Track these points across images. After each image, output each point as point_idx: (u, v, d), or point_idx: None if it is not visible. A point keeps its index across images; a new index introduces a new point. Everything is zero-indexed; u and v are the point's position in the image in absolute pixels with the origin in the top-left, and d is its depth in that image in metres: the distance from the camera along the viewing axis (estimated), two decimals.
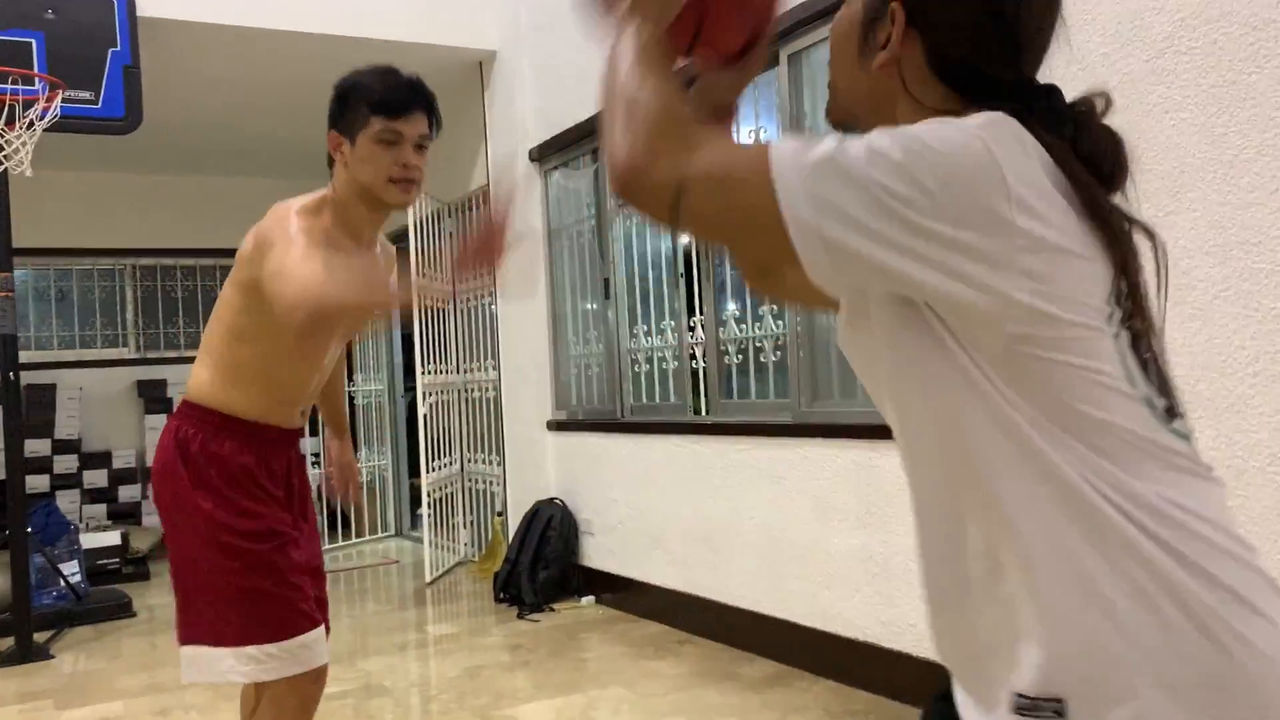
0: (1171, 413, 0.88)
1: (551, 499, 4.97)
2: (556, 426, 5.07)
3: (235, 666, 1.90)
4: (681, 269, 4.22)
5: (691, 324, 4.18)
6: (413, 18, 5.13)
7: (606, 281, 4.73)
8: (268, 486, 2.02)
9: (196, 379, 2.05)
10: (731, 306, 3.98)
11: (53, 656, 4.29)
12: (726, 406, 4.01)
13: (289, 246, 1.80)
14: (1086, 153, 0.88)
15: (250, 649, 1.90)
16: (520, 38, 5.17)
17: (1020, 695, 0.84)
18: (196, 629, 1.95)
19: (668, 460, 4.22)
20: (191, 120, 6.20)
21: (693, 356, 4.19)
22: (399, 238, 6.60)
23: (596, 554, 4.76)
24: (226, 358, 2.01)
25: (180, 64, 5.12)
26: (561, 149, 4.93)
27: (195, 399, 2.03)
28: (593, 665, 3.74)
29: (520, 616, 4.55)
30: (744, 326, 3.91)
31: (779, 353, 3.72)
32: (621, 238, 4.68)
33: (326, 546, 6.65)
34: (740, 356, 3.94)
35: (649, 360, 4.52)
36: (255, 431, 2.02)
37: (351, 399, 7.57)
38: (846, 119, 1.02)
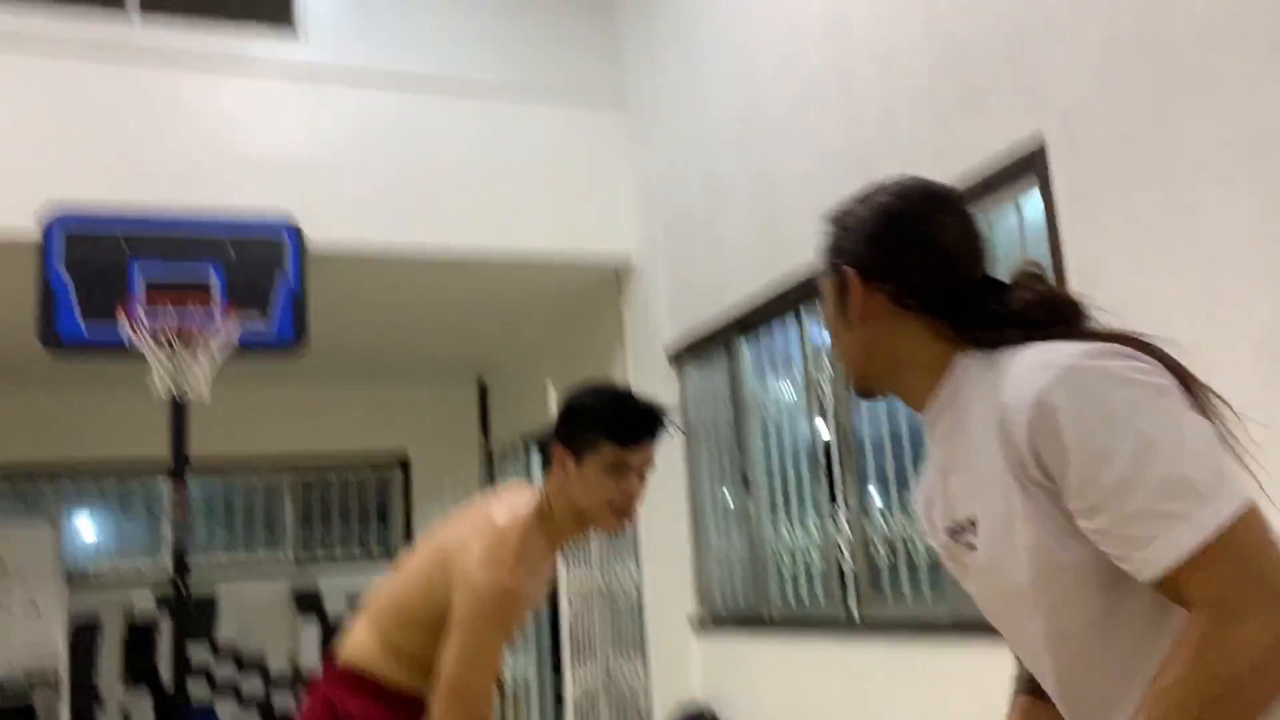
0: None
1: (697, 702, 4.80)
2: (701, 626, 4.96)
3: None
4: (823, 462, 4.18)
5: (835, 520, 4.09)
6: (555, 232, 5.44)
7: (745, 476, 4.71)
8: None
9: (362, 646, 2.05)
10: (876, 498, 3.90)
11: None
12: (878, 604, 3.86)
13: (480, 630, 1.82)
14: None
15: None
16: (656, 245, 5.41)
17: None
18: None
19: (819, 663, 4.05)
20: (349, 339, 6.62)
21: (840, 553, 4.08)
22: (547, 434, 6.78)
23: None
24: (396, 636, 2.01)
25: (341, 289, 5.53)
26: (697, 348, 5.04)
27: (356, 665, 2.03)
28: None
29: None
30: (891, 520, 3.80)
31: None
32: (759, 431, 4.69)
33: None
34: (890, 553, 3.82)
35: (793, 557, 4.42)
36: (410, 702, 2.00)
37: None
38: (866, 386, 1.18)
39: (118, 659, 7.10)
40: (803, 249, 4.19)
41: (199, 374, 4.50)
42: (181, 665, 4.61)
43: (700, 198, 5.03)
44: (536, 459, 7.63)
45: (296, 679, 7.37)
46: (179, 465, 4.63)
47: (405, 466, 8.34)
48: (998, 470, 1.03)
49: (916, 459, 3.67)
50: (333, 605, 7.66)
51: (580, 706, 5.64)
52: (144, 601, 7.23)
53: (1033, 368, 1.00)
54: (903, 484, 3.74)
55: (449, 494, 7.85)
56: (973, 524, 1.08)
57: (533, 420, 7.25)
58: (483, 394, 8.50)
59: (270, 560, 7.91)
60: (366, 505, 8.31)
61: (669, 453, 5.23)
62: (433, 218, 5.23)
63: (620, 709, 5.86)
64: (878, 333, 1.13)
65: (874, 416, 3.92)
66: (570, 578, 5.55)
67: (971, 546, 1.09)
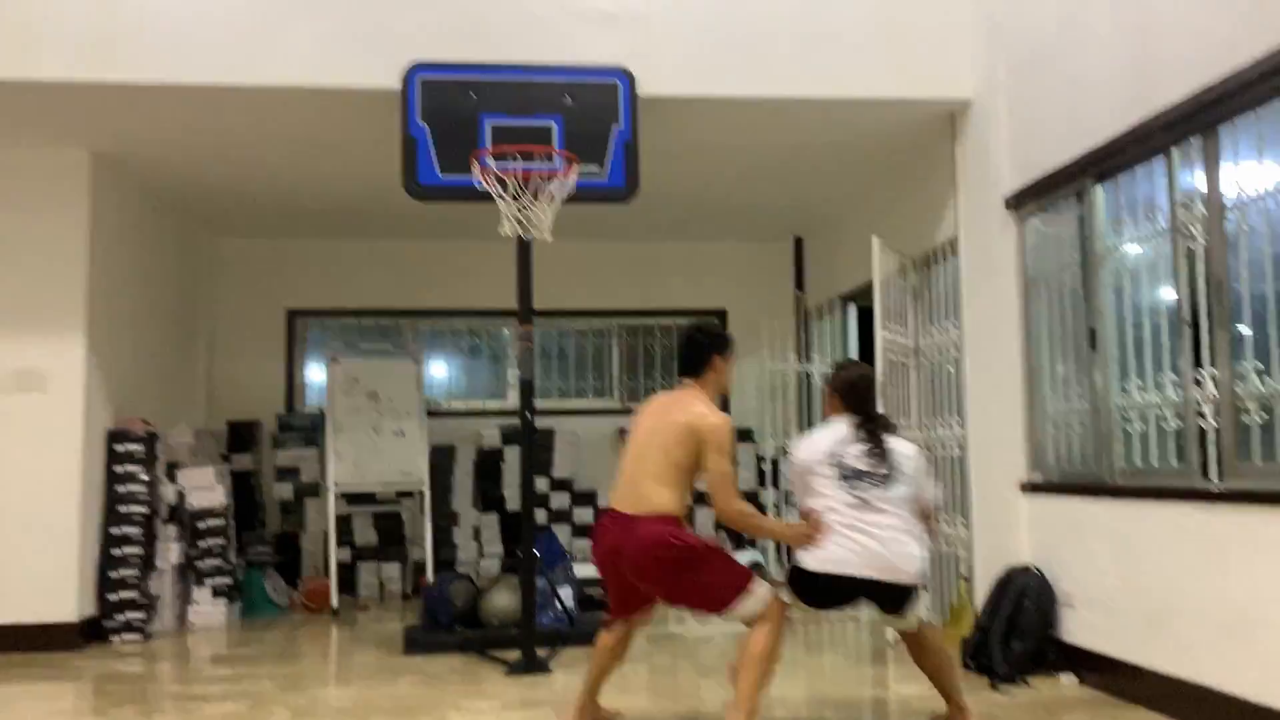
0: None
1: (1026, 566, 4.65)
2: (1032, 489, 4.75)
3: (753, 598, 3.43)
4: (1188, 316, 3.79)
5: (1198, 378, 3.72)
6: (884, 73, 5.18)
7: (1093, 331, 4.37)
8: None
9: (661, 498, 3.48)
10: (1252, 359, 3.49)
11: (550, 671, 4.75)
12: (1245, 471, 3.50)
13: (725, 462, 3.47)
14: None
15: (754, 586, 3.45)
16: (997, 83, 5.02)
17: None
18: (729, 594, 3.44)
19: (1169, 531, 3.76)
20: (674, 190, 6.74)
21: (1200, 414, 3.72)
22: (864, 293, 6.65)
23: (1079, 629, 4.36)
24: (674, 484, 3.51)
25: (670, 138, 5.59)
26: (1041, 194, 4.68)
27: (665, 511, 3.48)
28: None
29: (993, 687, 4.28)
30: (1268, 380, 3.40)
31: None
32: (1111, 283, 4.31)
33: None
34: (1264, 415, 3.43)
35: (1142, 419, 4.09)
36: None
37: None
38: None
39: (470, 483, 7.91)
40: (1177, 81, 3.72)
41: (542, 218, 4.76)
42: (528, 490, 5.04)
43: (1053, 28, 4.58)
44: (853, 315, 7.51)
45: None
46: (525, 304, 4.97)
47: (722, 322, 8.51)
48: None
49: None
50: None
51: None
52: (491, 437, 7.96)
53: None
54: None
55: (764, 349, 7.95)
56: None
57: (851, 277, 7.11)
58: (799, 250, 8.43)
59: (599, 405, 8.43)
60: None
61: (1002, 308, 4.95)
62: (760, 61, 5.13)
63: (940, 570, 5.80)
64: None
65: (1255, 268, 3.49)
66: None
67: None
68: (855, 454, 3.45)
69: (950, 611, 5.44)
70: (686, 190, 6.86)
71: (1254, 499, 3.36)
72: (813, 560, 3.37)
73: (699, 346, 3.65)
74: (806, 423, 7.92)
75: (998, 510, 4.97)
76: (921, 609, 3.55)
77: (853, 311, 7.51)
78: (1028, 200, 4.80)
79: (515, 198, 4.72)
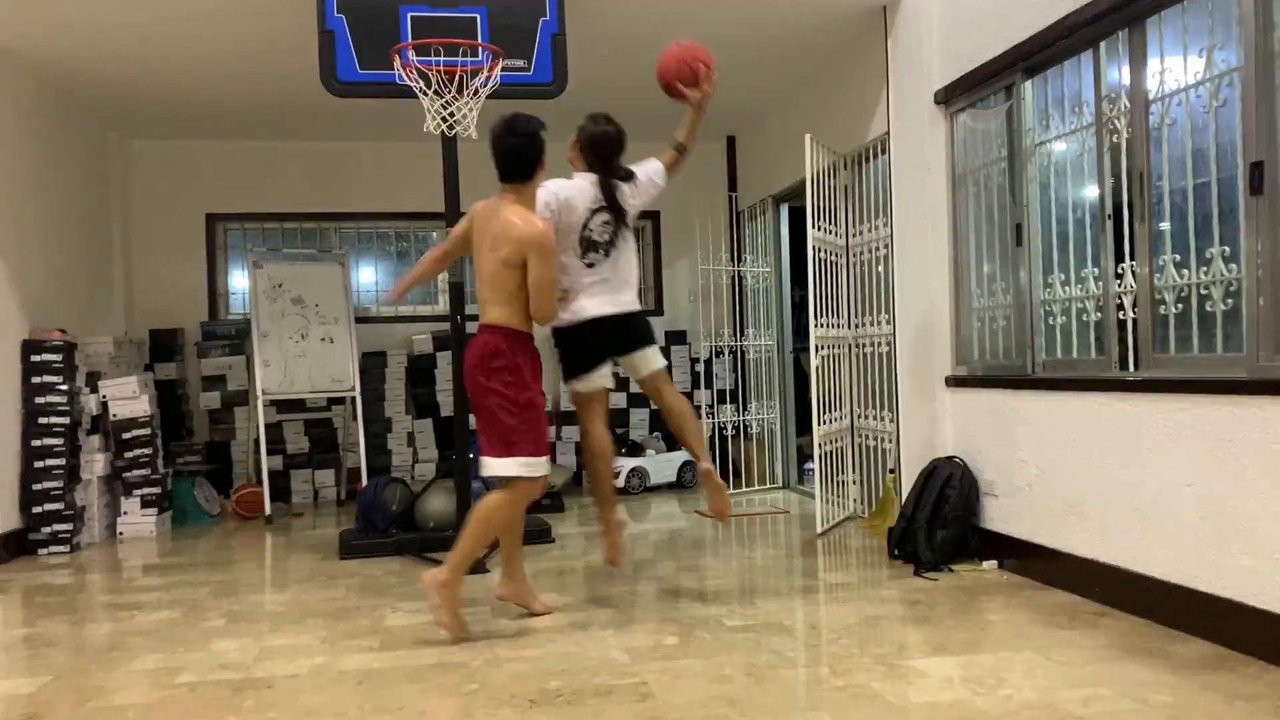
0: None
1: (950, 457, 4.78)
2: (956, 382, 4.86)
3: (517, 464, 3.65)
4: (1110, 210, 3.85)
5: (1119, 270, 3.80)
6: None
7: (1019, 227, 4.43)
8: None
9: (502, 314, 3.67)
10: (1169, 253, 3.57)
11: (487, 571, 4.80)
12: (1160, 361, 3.61)
13: (549, 270, 3.63)
14: None
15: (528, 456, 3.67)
16: None
17: None
18: (502, 444, 3.69)
19: (1088, 420, 3.89)
20: (602, 88, 6.60)
21: (1119, 307, 3.81)
22: (796, 193, 6.64)
23: (1000, 516, 4.52)
24: (511, 298, 3.67)
25: (597, 31, 5.45)
26: (970, 88, 4.68)
27: (505, 324, 3.67)
28: (998, 628, 3.55)
29: (917, 574, 4.43)
30: (1185, 272, 3.49)
31: (1230, 300, 3.29)
32: (1038, 179, 4.36)
33: None
34: (1180, 305, 3.53)
35: (1064, 312, 4.19)
36: (522, 335, 3.71)
37: (742, 354, 7.76)
38: None
39: (402, 389, 7.85)
40: None
41: (467, 114, 4.63)
42: (460, 396, 5.01)
43: None
44: (785, 215, 7.52)
45: (559, 416, 7.92)
46: (452, 205, 4.86)
47: (655, 222, 8.45)
48: None
49: (1222, 208, 3.31)
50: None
51: (826, 456, 5.76)
52: (422, 343, 7.87)
53: None
54: (1203, 233, 3.40)
55: (696, 251, 7.92)
56: None
57: (783, 177, 7.09)
58: (731, 150, 8.36)
59: None
60: None
61: (930, 203, 4.98)
62: None
63: (865, 461, 5.94)
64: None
65: (1175, 163, 3.54)
66: (820, 334, 5.54)
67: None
68: (597, 226, 4.01)
69: (877, 504, 5.60)
70: (615, 88, 6.71)
71: (1168, 387, 3.47)
72: (565, 316, 3.98)
73: (526, 152, 3.67)
74: (739, 323, 7.97)
75: (924, 404, 5.08)
76: (660, 359, 4.17)
77: (785, 211, 7.51)
78: (957, 95, 4.79)
79: (438, 93, 4.58)
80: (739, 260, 8.11)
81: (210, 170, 7.88)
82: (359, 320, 7.63)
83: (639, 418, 8.06)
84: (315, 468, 7.61)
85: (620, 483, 7.25)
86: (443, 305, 8.19)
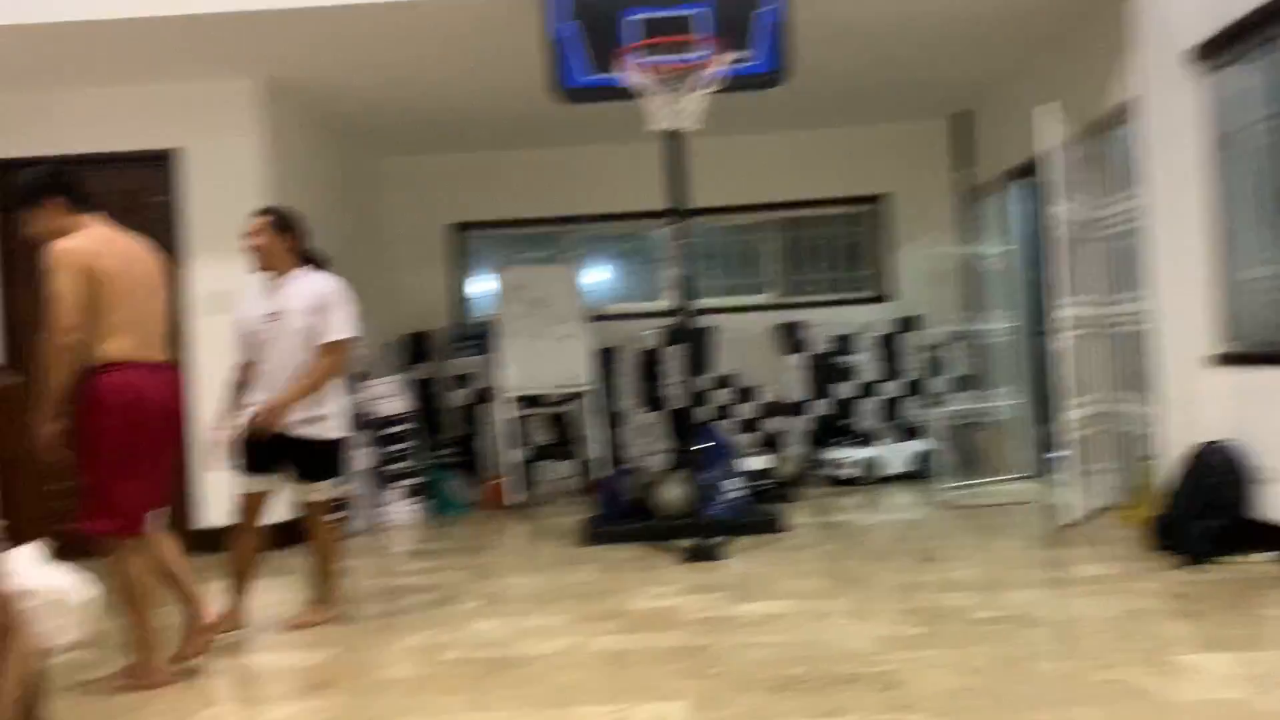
0: None
1: (1216, 441, 4.43)
2: (1223, 361, 4.50)
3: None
4: None
5: None
6: None
7: None
8: None
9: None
10: None
11: (723, 559, 4.87)
12: None
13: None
14: None
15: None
16: None
17: None
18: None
19: None
20: (825, 73, 6.52)
21: None
22: (1033, 167, 6.32)
23: (1275, 505, 4.15)
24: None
25: (820, 15, 5.40)
26: (1231, 42, 4.31)
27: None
28: (1277, 625, 3.27)
29: (1182, 566, 4.14)
30: None
31: None
32: None
33: (954, 485, 6.69)
34: None
35: None
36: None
37: (982, 338, 7.49)
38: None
39: (632, 383, 8.07)
40: None
41: (691, 110, 4.71)
42: (689, 386, 5.12)
43: None
44: (1021, 193, 7.18)
45: (779, 406, 7.93)
46: (678, 200, 4.96)
47: (881, 207, 8.28)
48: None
49: None
50: (816, 342, 8.01)
51: (1076, 444, 5.47)
52: (651, 339, 8.07)
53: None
54: None
55: (926, 232, 7.70)
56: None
57: (1015, 154, 6.77)
58: (959, 129, 8.07)
59: (756, 301, 8.41)
60: (841, 247, 8.45)
61: (1187, 169, 4.63)
62: None
63: (1121, 448, 5.60)
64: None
65: None
66: (1065, 315, 5.26)
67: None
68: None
69: (1134, 493, 5.26)
70: (839, 72, 6.62)
71: None
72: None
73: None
74: (973, 307, 7.69)
75: (1185, 385, 4.73)
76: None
77: (1020, 189, 7.17)
78: (1215, 52, 4.43)
79: (665, 92, 4.68)
80: (972, 241, 7.82)
81: (454, 182, 8.37)
82: (594, 318, 7.90)
83: (868, 407, 7.93)
84: (556, 459, 7.96)
85: (852, 473, 7.17)
86: (669, 301, 8.35)
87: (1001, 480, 6.99)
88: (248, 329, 3.97)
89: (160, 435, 3.34)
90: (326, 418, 3.94)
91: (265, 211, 4.03)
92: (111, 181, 6.03)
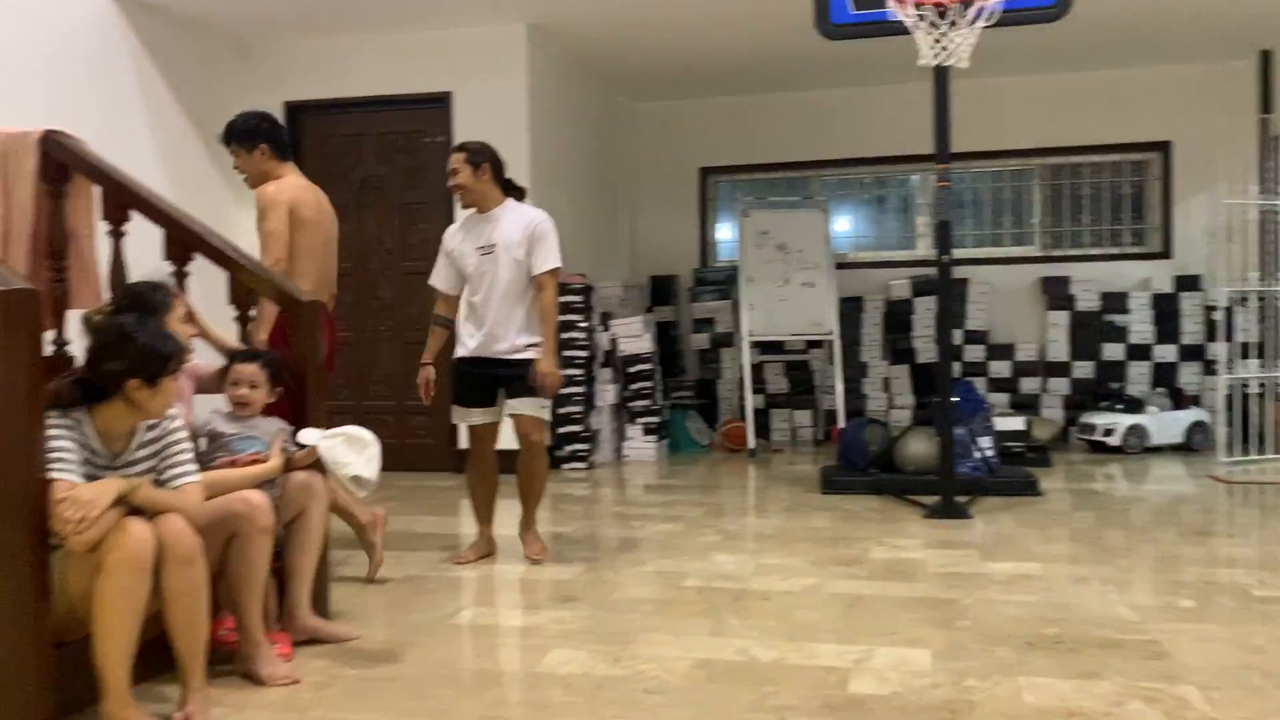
0: None
1: None
2: None
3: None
4: None
5: None
6: None
7: None
8: None
9: None
10: None
11: (970, 517, 4.70)
12: None
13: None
14: None
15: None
16: None
17: None
18: None
19: None
20: (1107, 8, 6.03)
21: None
22: None
23: None
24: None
25: None
26: None
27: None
28: None
29: None
30: None
31: None
32: None
33: (1233, 460, 6.13)
34: None
35: None
36: None
37: (1274, 300, 6.79)
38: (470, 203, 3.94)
39: (878, 334, 7.88)
40: None
41: (961, 46, 4.48)
42: (944, 333, 4.92)
43: None
44: None
45: (1037, 365, 7.50)
46: (942, 141, 4.75)
47: (1162, 155, 7.61)
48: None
49: None
50: (1083, 299, 7.51)
51: None
52: (900, 288, 7.83)
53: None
54: None
55: (1213, 183, 7.01)
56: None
57: None
58: (1266, 66, 7.25)
59: (1017, 252, 7.96)
60: (1120, 198, 7.83)
61: None
62: None
63: None
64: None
65: None
66: None
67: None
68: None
69: None
70: (1123, 9, 6.10)
71: None
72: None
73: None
74: (1266, 266, 6.95)
75: None
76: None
77: None
78: None
79: (934, 28, 4.47)
80: (1271, 194, 7.05)
81: (703, 126, 8.41)
82: (839, 266, 7.75)
83: (1138, 371, 7.37)
84: (794, 408, 7.91)
85: (1116, 441, 6.71)
86: (921, 249, 8.06)
87: None
88: (459, 263, 3.95)
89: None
90: (540, 342, 3.90)
91: (460, 148, 3.94)
92: (394, 122, 6.50)
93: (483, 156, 3.91)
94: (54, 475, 2.18)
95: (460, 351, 3.97)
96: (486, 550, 4.07)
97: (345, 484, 2.77)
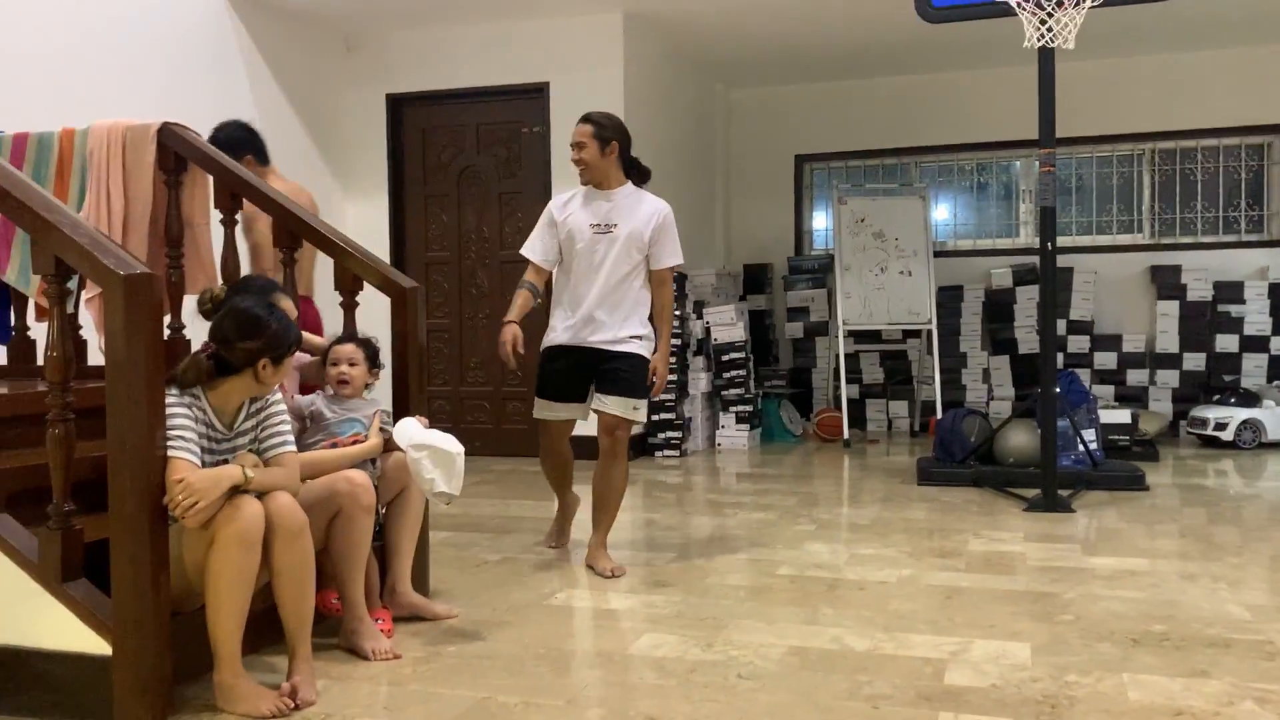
0: None
1: None
2: None
3: None
4: None
5: None
6: None
7: None
8: None
9: None
10: None
11: (1073, 511, 4.57)
12: None
13: None
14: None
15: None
16: None
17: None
18: None
19: None
20: None
21: None
22: None
23: None
24: None
25: None
26: None
27: None
28: None
29: None
30: None
31: None
32: None
33: None
34: None
35: None
36: None
37: None
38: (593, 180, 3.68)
39: (978, 324, 7.71)
40: None
41: (1068, 26, 4.35)
42: (1048, 321, 4.78)
43: None
44: None
45: (1152, 358, 7.25)
46: (1047, 124, 4.62)
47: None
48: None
49: None
50: (1195, 288, 7.22)
51: None
52: (1001, 277, 7.64)
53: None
54: None
55: None
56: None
57: None
58: None
59: (1124, 240, 7.70)
60: (1233, 183, 7.50)
61: None
62: None
63: None
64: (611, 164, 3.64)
65: None
66: None
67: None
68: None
69: None
70: None
71: None
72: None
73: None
74: None
75: None
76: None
77: None
78: None
79: (1039, 6, 4.35)
80: None
81: (798, 113, 8.33)
82: (937, 254, 7.60)
83: (1254, 363, 7.07)
84: (890, 398, 7.80)
85: (1229, 436, 6.44)
86: (1023, 238, 7.85)
87: None
88: (568, 236, 3.63)
89: None
90: (645, 336, 3.66)
91: (587, 119, 3.61)
92: (492, 113, 6.60)
93: (612, 133, 3.61)
94: (173, 454, 2.29)
95: (549, 339, 3.69)
96: (567, 518, 3.99)
97: (427, 495, 2.83)
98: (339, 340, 3.09)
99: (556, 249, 3.69)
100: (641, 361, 3.64)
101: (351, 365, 3.02)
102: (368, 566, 2.83)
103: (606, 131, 3.60)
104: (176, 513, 2.25)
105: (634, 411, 3.61)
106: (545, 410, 3.74)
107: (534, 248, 3.73)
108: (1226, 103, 7.31)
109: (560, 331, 3.66)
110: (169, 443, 2.29)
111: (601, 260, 3.59)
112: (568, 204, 3.69)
